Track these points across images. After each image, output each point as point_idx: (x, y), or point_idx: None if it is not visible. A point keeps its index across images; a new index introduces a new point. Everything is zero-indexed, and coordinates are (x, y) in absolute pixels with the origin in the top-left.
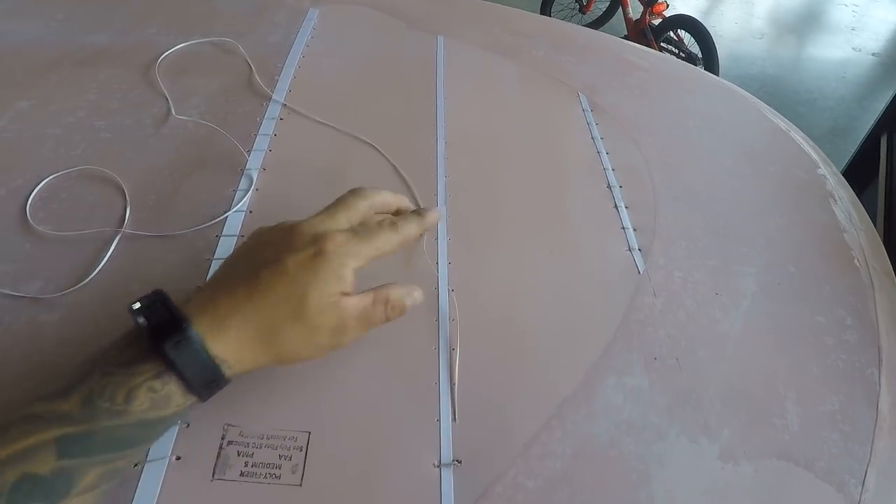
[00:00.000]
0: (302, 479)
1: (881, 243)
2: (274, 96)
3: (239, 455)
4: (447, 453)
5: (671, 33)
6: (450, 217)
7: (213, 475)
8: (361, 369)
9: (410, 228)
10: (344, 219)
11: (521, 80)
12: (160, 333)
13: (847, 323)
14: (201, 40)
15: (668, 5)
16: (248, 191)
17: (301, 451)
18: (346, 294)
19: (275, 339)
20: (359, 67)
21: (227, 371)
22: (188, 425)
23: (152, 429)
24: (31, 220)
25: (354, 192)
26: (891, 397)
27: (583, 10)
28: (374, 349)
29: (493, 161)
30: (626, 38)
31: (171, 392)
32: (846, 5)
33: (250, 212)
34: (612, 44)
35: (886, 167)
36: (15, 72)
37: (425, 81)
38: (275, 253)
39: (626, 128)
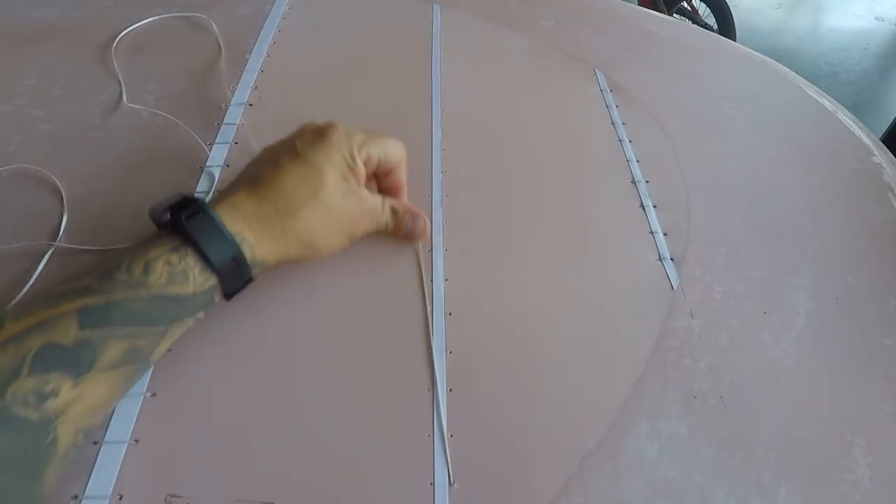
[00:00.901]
0: None
1: None
2: (243, 78)
3: None
4: None
5: (684, 3)
6: (447, 223)
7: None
8: (338, 419)
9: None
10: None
11: (530, 56)
12: (173, 210)
13: None
14: (164, 15)
15: None
16: (207, 193)
17: None
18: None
19: (294, 222)
20: (342, 43)
21: (248, 251)
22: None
23: (172, 307)
24: None
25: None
26: None
27: None
28: (354, 392)
29: (497, 153)
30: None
31: (189, 267)
32: None
33: None
34: (632, 13)
35: None
36: None
37: (418, 59)
38: (286, 145)
39: (652, 111)
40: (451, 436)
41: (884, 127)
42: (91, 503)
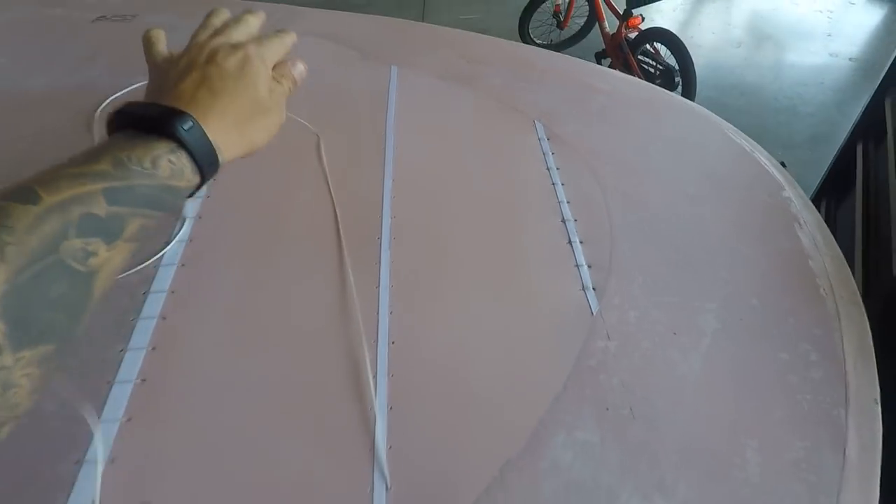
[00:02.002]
0: None
1: (848, 269)
2: None
3: None
4: None
5: (648, 46)
6: (393, 262)
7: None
8: (287, 438)
9: (288, 36)
10: (239, 33)
11: (476, 110)
12: (166, 120)
13: (812, 359)
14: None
15: (643, 19)
16: (181, 241)
17: None
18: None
19: (248, 125)
20: (309, 101)
21: (220, 156)
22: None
23: (173, 197)
24: None
25: (244, 17)
26: (858, 440)
27: (560, 25)
28: (307, 409)
29: (442, 199)
30: (603, 52)
31: (184, 166)
32: (821, 11)
33: (182, 265)
34: (575, 67)
35: (863, 176)
36: None
37: (376, 115)
38: (208, 63)
39: (584, 156)
40: (390, 447)
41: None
42: None
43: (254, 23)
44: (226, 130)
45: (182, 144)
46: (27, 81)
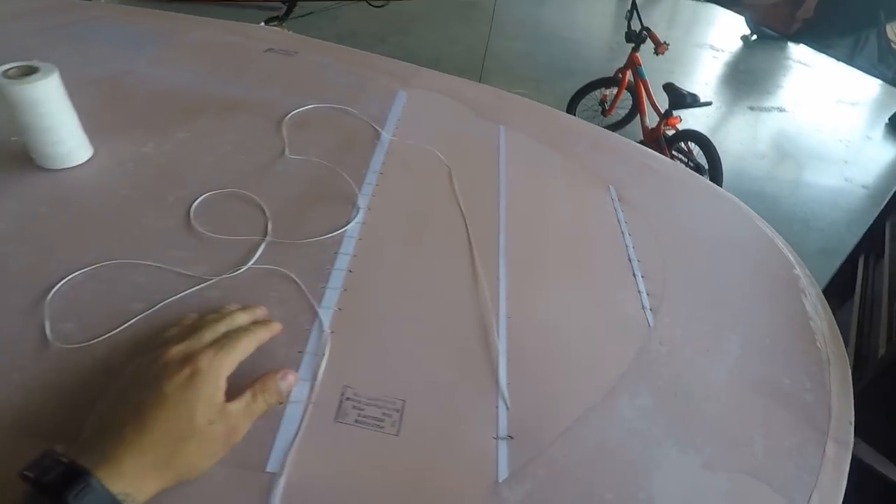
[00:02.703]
0: (399, 431)
1: (838, 331)
2: (375, 153)
3: (353, 408)
4: (503, 430)
5: (682, 144)
6: (507, 264)
7: (335, 418)
8: (440, 366)
9: (262, 334)
10: (208, 336)
11: (563, 169)
12: (62, 486)
13: (807, 387)
14: (318, 105)
15: (681, 119)
16: (358, 223)
17: (398, 412)
18: (226, 401)
19: (173, 462)
20: (438, 141)
21: (132, 503)
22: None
23: None
24: (194, 223)
25: (216, 315)
26: (835, 445)
27: (605, 113)
28: (448, 358)
29: (541, 226)
30: (641, 142)
31: None
32: (841, 140)
33: (360, 238)
34: (636, 150)
35: (862, 283)
36: (174, 109)
37: (490, 159)
38: (151, 385)
39: (645, 216)
40: (509, 383)
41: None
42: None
43: (239, 319)
44: (143, 472)
45: None
46: (226, 89)
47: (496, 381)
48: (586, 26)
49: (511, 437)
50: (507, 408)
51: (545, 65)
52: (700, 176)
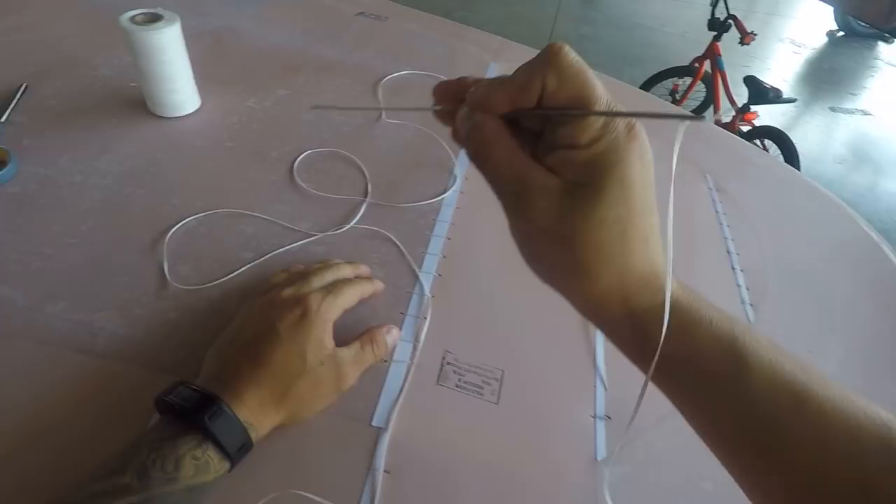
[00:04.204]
0: (498, 400)
1: None
2: None
3: (454, 373)
4: (601, 410)
5: (758, 141)
6: None
7: (437, 381)
8: (539, 341)
9: (366, 287)
10: (316, 282)
11: (660, 154)
12: (196, 410)
13: None
14: (412, 71)
15: (758, 115)
16: (456, 191)
17: (497, 381)
18: (336, 346)
19: (287, 398)
20: None
21: (254, 434)
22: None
23: (197, 493)
24: (297, 179)
25: (322, 265)
26: None
27: (676, 103)
28: (545, 333)
29: None
30: None
31: (210, 458)
32: None
33: (458, 207)
34: (733, 140)
35: None
36: (275, 67)
37: None
38: (265, 323)
39: (743, 208)
40: (607, 365)
41: None
42: (402, 342)
43: (345, 271)
44: (261, 404)
45: (209, 435)
46: (321, 50)
47: (594, 362)
48: (660, 12)
49: (609, 418)
50: (605, 388)
51: (614, 51)
52: (800, 173)
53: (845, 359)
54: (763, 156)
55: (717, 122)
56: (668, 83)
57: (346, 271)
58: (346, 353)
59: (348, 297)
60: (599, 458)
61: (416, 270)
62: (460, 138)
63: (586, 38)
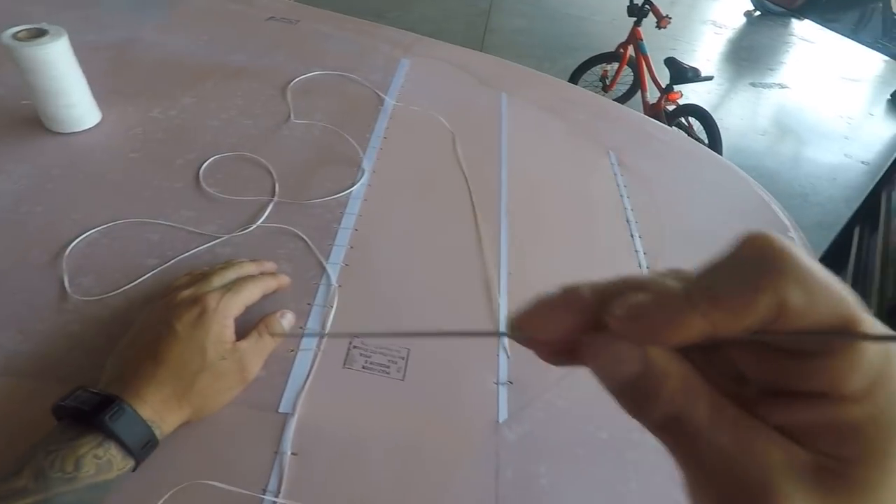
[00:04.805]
0: (404, 377)
1: None
2: (380, 119)
3: (361, 355)
4: (504, 376)
5: (683, 119)
6: (509, 224)
7: (343, 365)
8: (444, 319)
9: (269, 283)
10: (217, 281)
11: (565, 135)
12: (95, 411)
13: None
14: (323, 72)
15: (682, 94)
16: (364, 184)
17: (403, 359)
18: (235, 340)
19: (189, 394)
20: (442, 107)
21: (158, 431)
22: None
23: (99, 491)
24: (203, 184)
25: (225, 265)
26: None
27: (606, 88)
28: (451, 311)
29: (541, 190)
30: None
31: (113, 456)
32: (842, 117)
33: (365, 199)
34: (638, 118)
35: (856, 254)
36: (181, 75)
37: (493, 126)
38: (164, 324)
39: (644, 181)
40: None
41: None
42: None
43: (248, 268)
44: (164, 402)
45: (111, 435)
46: (230, 56)
47: (497, 332)
48: (589, 2)
49: (511, 383)
50: (508, 357)
51: (546, 41)
52: (699, 143)
53: None
54: (664, 131)
55: (646, 104)
56: (598, 69)
57: (250, 269)
58: (246, 344)
59: (249, 294)
60: (501, 421)
61: (323, 262)
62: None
63: (520, 30)
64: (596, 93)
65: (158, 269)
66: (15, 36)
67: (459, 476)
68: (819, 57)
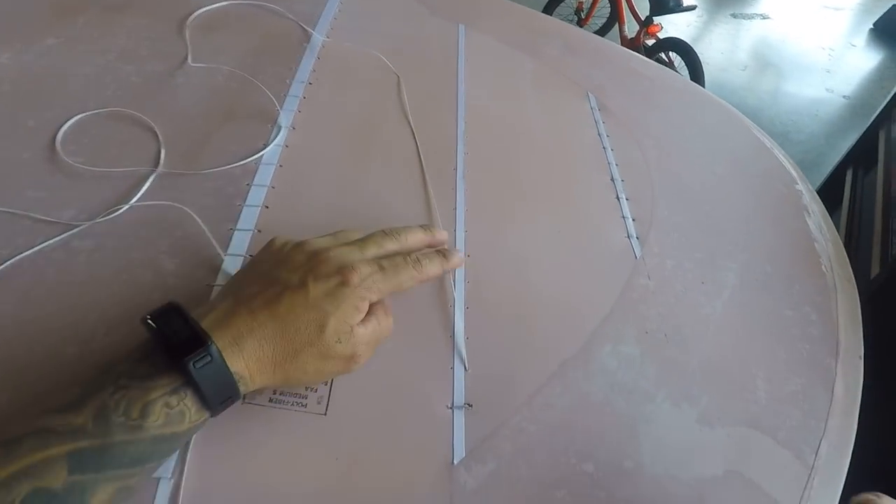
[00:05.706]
0: (327, 410)
1: (846, 254)
2: (304, 60)
3: None
4: (460, 397)
5: (662, 54)
6: (467, 190)
7: (242, 399)
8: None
9: (433, 268)
10: (372, 250)
11: (535, 75)
12: (181, 349)
13: (812, 318)
14: (231, 1)
15: (662, 27)
16: (278, 146)
17: (326, 385)
18: (358, 324)
19: (289, 363)
20: (384, 44)
21: (243, 388)
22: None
23: (166, 444)
24: (61, 153)
25: (386, 233)
26: (844, 384)
27: (581, 22)
28: (398, 305)
29: (507, 143)
30: None
31: (186, 408)
32: (824, 48)
33: (280, 165)
34: (620, 52)
35: (850, 196)
36: (42, 9)
37: (448, 65)
38: (299, 277)
39: (630, 128)
40: (468, 338)
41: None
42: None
43: (413, 240)
44: (259, 361)
45: (190, 381)
46: None
47: (451, 337)
48: None
49: (470, 406)
50: (466, 369)
51: None
52: (692, 81)
53: (739, 285)
54: (650, 66)
55: (624, 38)
56: (572, 1)
57: (416, 240)
58: (364, 330)
59: (402, 281)
60: (457, 462)
61: (221, 254)
62: None
63: None
64: None
65: None
66: None
67: None
68: None
